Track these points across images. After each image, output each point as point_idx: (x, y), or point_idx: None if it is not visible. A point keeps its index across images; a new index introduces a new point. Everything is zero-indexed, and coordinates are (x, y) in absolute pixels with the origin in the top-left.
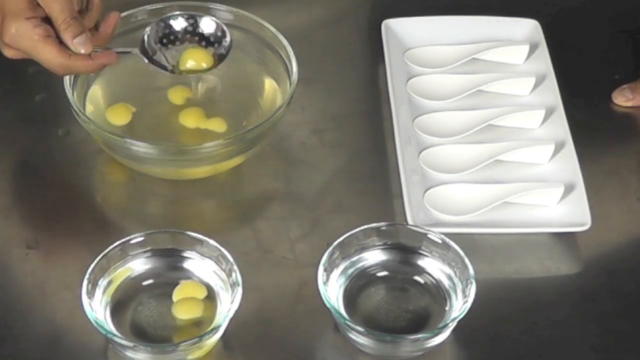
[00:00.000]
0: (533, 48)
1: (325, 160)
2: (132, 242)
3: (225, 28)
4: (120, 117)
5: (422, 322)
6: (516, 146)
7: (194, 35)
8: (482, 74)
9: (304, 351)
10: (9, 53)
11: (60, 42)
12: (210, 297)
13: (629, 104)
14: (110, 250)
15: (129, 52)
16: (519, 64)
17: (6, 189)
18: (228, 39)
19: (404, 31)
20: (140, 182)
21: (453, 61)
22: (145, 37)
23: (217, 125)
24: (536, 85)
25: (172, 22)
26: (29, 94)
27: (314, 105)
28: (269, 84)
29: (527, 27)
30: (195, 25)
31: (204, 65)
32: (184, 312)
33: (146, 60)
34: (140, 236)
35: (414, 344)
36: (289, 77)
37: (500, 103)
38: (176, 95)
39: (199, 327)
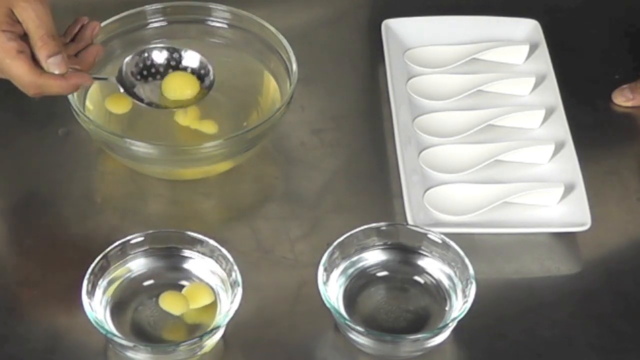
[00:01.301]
0: (533, 48)
1: (325, 160)
2: (132, 242)
3: (209, 65)
4: (119, 106)
5: (422, 322)
6: (516, 146)
7: (176, 69)
8: (482, 74)
9: (304, 351)
10: None
11: (34, 60)
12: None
13: (629, 104)
14: (110, 250)
15: (105, 79)
16: (519, 64)
17: (6, 189)
18: (212, 75)
19: (404, 31)
20: (140, 182)
21: (453, 61)
22: (124, 67)
23: (208, 127)
24: (536, 85)
25: (152, 54)
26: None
27: (314, 105)
28: (269, 84)
29: (527, 27)
30: (178, 58)
31: (189, 92)
32: (169, 305)
33: (122, 90)
34: (140, 236)
35: (414, 344)
36: (289, 77)
37: (500, 103)
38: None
39: (199, 327)
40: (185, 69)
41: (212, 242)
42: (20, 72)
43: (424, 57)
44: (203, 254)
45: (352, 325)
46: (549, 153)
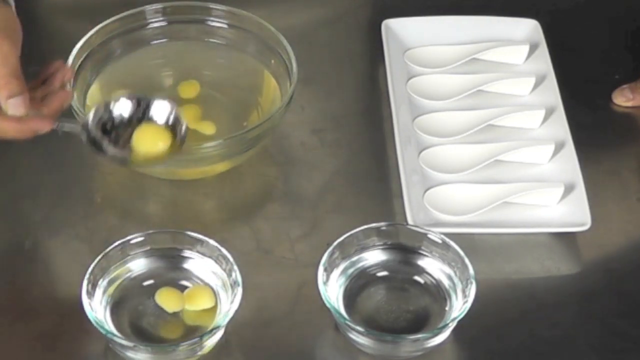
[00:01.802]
0: (533, 48)
1: (325, 160)
2: (132, 242)
3: (181, 118)
4: None
5: (422, 322)
6: (516, 146)
7: (145, 120)
8: (482, 74)
9: (304, 351)
10: None
11: None
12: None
13: (629, 104)
14: (110, 250)
15: (71, 127)
16: (519, 64)
17: (6, 189)
18: (184, 126)
19: (404, 31)
20: (140, 182)
21: (453, 61)
22: (90, 118)
23: (207, 128)
24: (536, 85)
25: (120, 105)
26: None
27: (314, 105)
28: (269, 84)
29: (527, 27)
30: (146, 109)
31: (160, 145)
32: (166, 303)
33: (84, 141)
34: (140, 236)
35: (414, 344)
36: (289, 77)
37: (500, 103)
38: (186, 90)
39: (199, 327)
40: (155, 120)
41: (212, 242)
42: None
43: (424, 57)
44: (203, 254)
45: (352, 325)
46: (549, 153)
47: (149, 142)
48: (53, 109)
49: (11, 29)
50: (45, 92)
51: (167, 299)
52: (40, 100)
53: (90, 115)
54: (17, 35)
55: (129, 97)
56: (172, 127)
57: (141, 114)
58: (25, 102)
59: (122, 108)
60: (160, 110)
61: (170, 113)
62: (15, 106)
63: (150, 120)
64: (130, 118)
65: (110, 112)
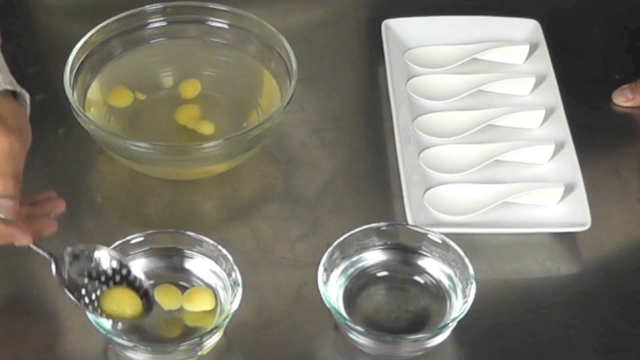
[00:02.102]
0: (533, 48)
1: (325, 160)
2: (132, 242)
3: (150, 286)
4: (122, 99)
5: (422, 322)
6: (516, 146)
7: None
8: (482, 74)
9: (304, 351)
10: None
11: None
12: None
13: (629, 104)
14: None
15: (42, 257)
16: (519, 64)
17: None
18: (152, 294)
19: (404, 31)
20: (140, 182)
21: (453, 61)
22: (66, 259)
23: (206, 128)
24: (536, 85)
25: (96, 256)
26: (29, 94)
27: (314, 105)
28: (269, 84)
29: (527, 27)
30: (124, 272)
31: (129, 312)
32: (167, 302)
33: (61, 287)
34: (140, 236)
35: (414, 344)
36: (289, 77)
37: (500, 103)
38: (187, 90)
39: (199, 327)
40: (130, 282)
41: (212, 242)
42: None
43: (424, 57)
44: (203, 254)
45: (352, 325)
46: (549, 153)
47: (118, 305)
48: (34, 231)
49: (25, 130)
50: (30, 212)
51: (164, 296)
52: (25, 218)
53: (67, 259)
54: (28, 136)
55: (109, 254)
56: (143, 294)
57: (118, 277)
58: (16, 206)
59: (102, 261)
60: (136, 275)
61: (144, 280)
62: (7, 208)
63: (122, 284)
64: (108, 275)
65: (89, 260)
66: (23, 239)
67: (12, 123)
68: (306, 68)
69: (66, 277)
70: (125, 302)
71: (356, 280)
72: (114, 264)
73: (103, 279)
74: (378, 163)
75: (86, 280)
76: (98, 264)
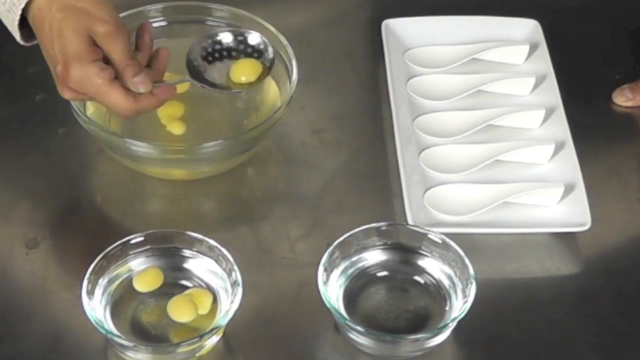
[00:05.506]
0: (533, 48)
1: (325, 160)
2: (132, 242)
3: (267, 41)
4: None
5: (422, 322)
6: (516, 146)
7: (238, 50)
8: (482, 74)
9: (304, 351)
10: (69, 95)
11: (125, 86)
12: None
13: (629, 104)
14: (110, 250)
15: (183, 81)
16: (519, 64)
17: (6, 189)
18: (271, 50)
19: (404, 31)
20: (140, 182)
21: (453, 61)
22: (191, 58)
23: (176, 127)
24: (536, 85)
25: (217, 38)
26: (29, 94)
27: (314, 105)
28: (269, 84)
29: (527, 27)
30: (240, 40)
31: (254, 76)
32: (178, 314)
33: (198, 84)
34: (140, 236)
35: (414, 344)
36: (289, 77)
37: (500, 103)
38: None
39: (199, 327)
40: (250, 53)
41: (212, 242)
42: (117, 101)
43: (424, 57)
44: (203, 254)
45: (352, 325)
46: (549, 153)
47: (245, 73)
48: (160, 72)
49: (115, 15)
50: (145, 58)
51: (177, 310)
52: (147, 67)
53: (191, 50)
54: (119, 18)
55: (226, 31)
56: (260, 53)
57: (242, 46)
58: (147, 77)
59: (223, 39)
60: (254, 40)
61: (263, 43)
62: (141, 83)
63: (240, 49)
64: (227, 47)
65: (211, 43)
66: (171, 93)
67: (101, 14)
68: (306, 68)
69: (206, 75)
70: (250, 70)
71: (356, 280)
72: (232, 37)
73: (226, 58)
74: (378, 163)
75: (213, 63)
76: (219, 44)
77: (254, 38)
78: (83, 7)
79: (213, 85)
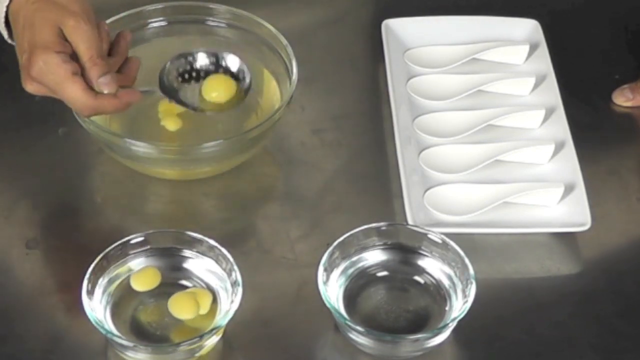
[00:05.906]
0: (533, 48)
1: (325, 160)
2: (132, 242)
3: (246, 69)
4: None
5: (422, 322)
6: (516, 146)
7: (216, 70)
8: (482, 74)
9: (304, 351)
10: (31, 87)
11: (87, 82)
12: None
13: (629, 104)
14: (110, 250)
15: (151, 92)
16: (519, 64)
17: (6, 189)
18: (248, 79)
19: (404, 31)
20: (140, 182)
21: (453, 61)
22: (165, 75)
23: (171, 123)
24: (536, 85)
25: (192, 58)
26: (29, 94)
27: (314, 105)
28: (269, 84)
29: (527, 27)
30: (217, 60)
31: (227, 95)
32: (179, 311)
33: (168, 100)
34: (140, 236)
35: (414, 344)
36: (289, 77)
37: (500, 103)
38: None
39: (199, 327)
40: (224, 71)
41: (212, 242)
42: (75, 95)
43: (424, 57)
44: (203, 254)
45: (352, 325)
46: (549, 153)
47: (217, 91)
48: (131, 78)
49: (88, 10)
50: (117, 63)
51: (178, 306)
52: (118, 73)
53: (167, 67)
54: (92, 14)
55: (203, 52)
56: (237, 78)
57: (213, 67)
58: (113, 79)
59: (197, 59)
60: (231, 63)
61: (239, 66)
62: (106, 84)
63: (219, 71)
64: (203, 69)
65: (186, 64)
66: (136, 98)
67: (73, 8)
68: (306, 68)
69: (177, 93)
70: (222, 87)
71: (356, 280)
72: (207, 58)
73: (200, 75)
74: (378, 163)
75: (188, 83)
76: (192, 64)
77: (233, 62)
78: (57, 0)
79: (183, 103)
